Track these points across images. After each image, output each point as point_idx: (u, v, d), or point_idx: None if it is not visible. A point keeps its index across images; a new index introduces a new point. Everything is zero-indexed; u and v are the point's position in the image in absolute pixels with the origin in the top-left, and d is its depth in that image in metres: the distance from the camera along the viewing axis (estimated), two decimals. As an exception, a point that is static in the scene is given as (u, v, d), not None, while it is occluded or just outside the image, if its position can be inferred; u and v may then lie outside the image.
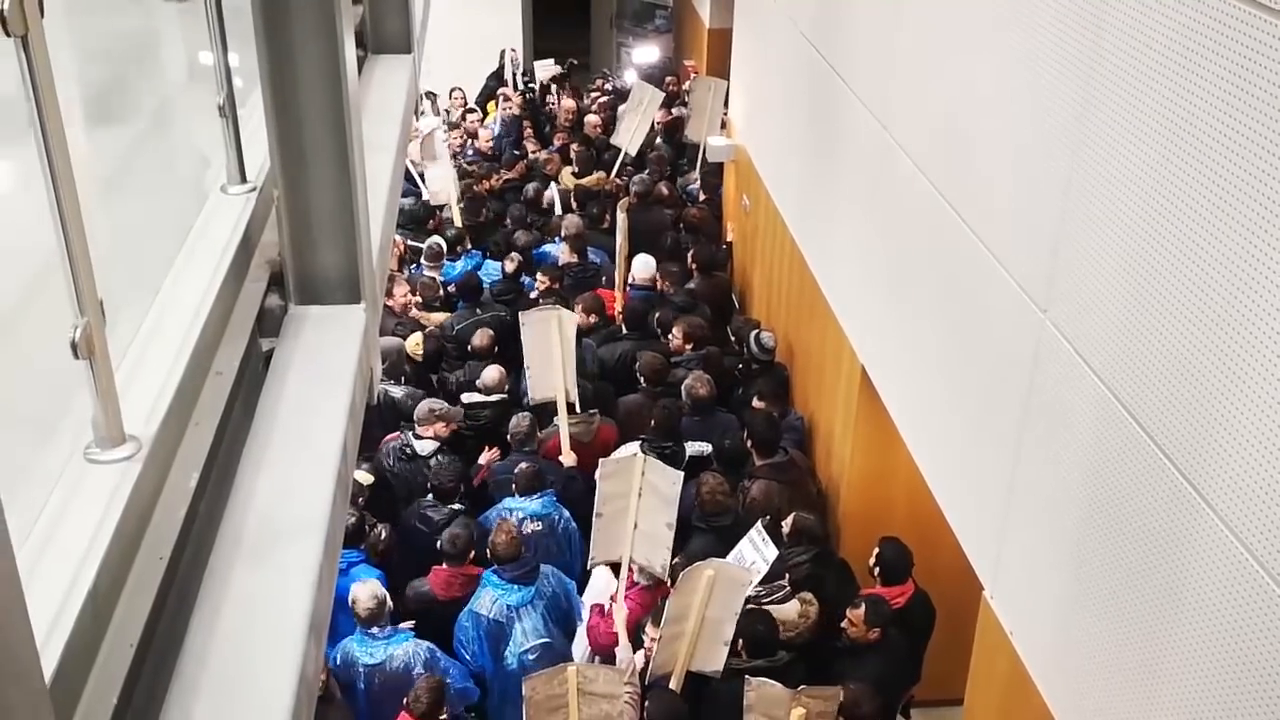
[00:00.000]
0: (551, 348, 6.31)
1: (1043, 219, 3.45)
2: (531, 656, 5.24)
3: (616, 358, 7.18)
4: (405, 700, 4.68)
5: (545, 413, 6.47)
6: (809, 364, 6.88)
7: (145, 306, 2.25)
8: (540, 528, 5.79)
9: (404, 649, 5.04)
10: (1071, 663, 3.30)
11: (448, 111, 11.78)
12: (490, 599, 5.27)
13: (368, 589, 5.02)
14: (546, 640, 5.31)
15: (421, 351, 7.15)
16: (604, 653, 5.29)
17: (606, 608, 5.28)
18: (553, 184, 9.93)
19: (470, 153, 10.93)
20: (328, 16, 2.40)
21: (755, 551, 5.30)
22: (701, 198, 9.74)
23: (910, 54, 4.88)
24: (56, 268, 1.58)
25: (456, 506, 5.87)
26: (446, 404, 6.38)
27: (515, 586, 5.28)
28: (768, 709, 4.43)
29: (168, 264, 2.41)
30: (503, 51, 12.80)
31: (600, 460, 5.58)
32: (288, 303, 2.69)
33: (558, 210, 9.56)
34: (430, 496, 5.94)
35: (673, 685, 4.78)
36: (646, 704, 4.63)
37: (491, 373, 6.75)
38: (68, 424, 1.80)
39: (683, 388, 6.52)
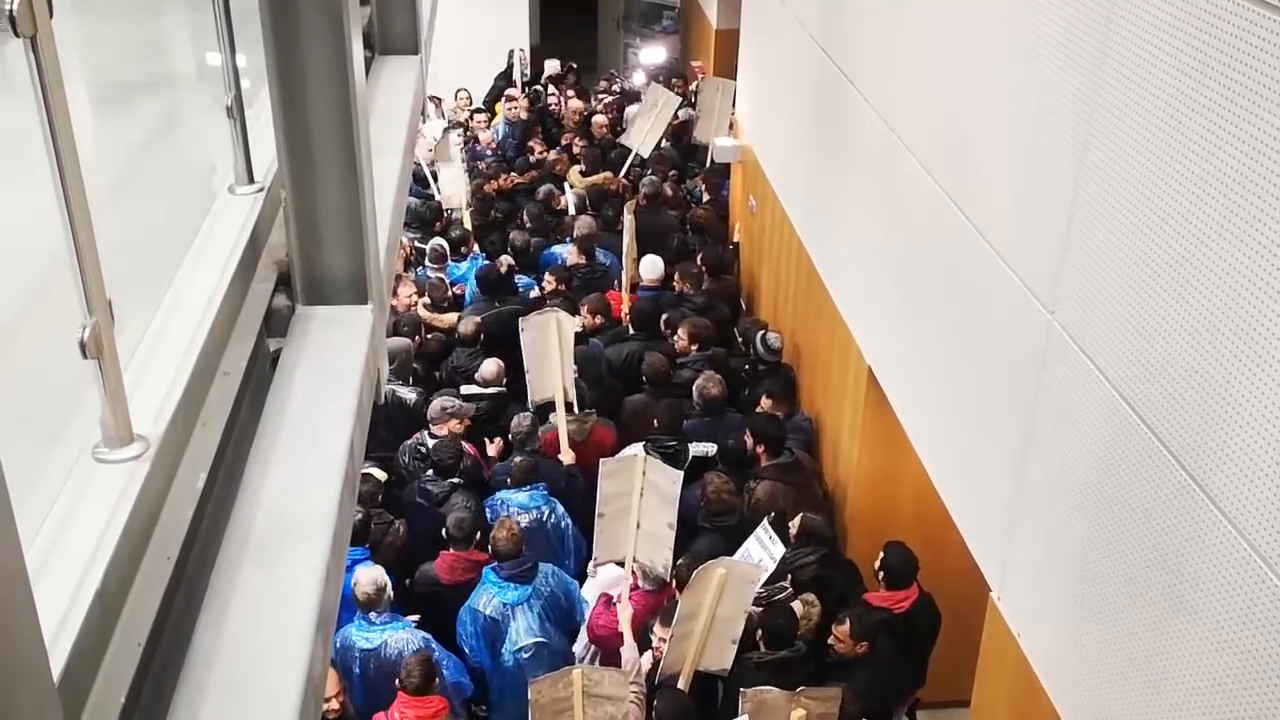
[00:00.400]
0: (550, 350, 6.37)
1: (1049, 219, 3.45)
2: (526, 655, 5.26)
3: (623, 358, 7.21)
4: (398, 679, 4.75)
5: (544, 412, 6.54)
6: (815, 364, 6.87)
7: (153, 306, 2.25)
8: (527, 521, 5.83)
9: (400, 636, 5.09)
10: (1078, 664, 3.29)
11: (454, 112, 11.79)
12: (487, 596, 5.31)
13: (369, 574, 5.11)
14: (541, 639, 5.32)
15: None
16: (603, 645, 5.29)
17: (614, 598, 5.28)
18: (568, 186, 9.96)
19: (489, 154, 10.96)
20: (335, 17, 2.41)
21: (762, 549, 5.30)
22: (705, 198, 9.74)
23: (916, 54, 4.87)
24: (65, 267, 1.58)
25: (456, 480, 5.99)
26: (458, 401, 6.46)
27: (512, 585, 5.31)
28: (768, 717, 4.42)
29: (176, 264, 2.42)
30: (511, 52, 12.81)
31: (601, 460, 5.60)
32: (295, 303, 2.70)
33: (571, 211, 9.58)
34: (430, 473, 6.08)
35: (681, 685, 4.78)
36: (655, 703, 4.63)
37: (490, 366, 6.86)
38: (76, 424, 1.81)
39: (694, 388, 6.54)
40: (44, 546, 1.60)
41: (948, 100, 4.41)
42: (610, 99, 12.03)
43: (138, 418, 1.82)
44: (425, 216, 9.25)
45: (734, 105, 9.50)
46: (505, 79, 12.62)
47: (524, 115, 11.24)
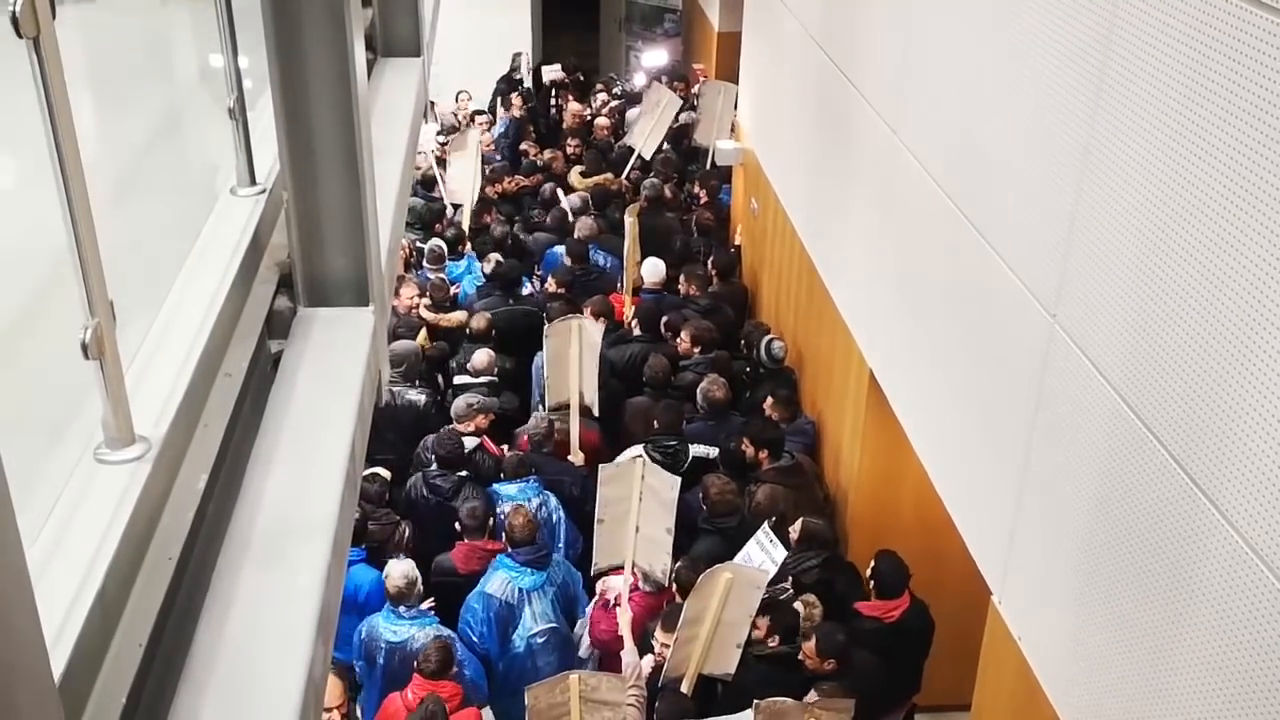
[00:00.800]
0: (570, 356, 6.40)
1: (1052, 222, 3.45)
2: (540, 640, 5.28)
3: (626, 359, 7.21)
4: (415, 663, 4.79)
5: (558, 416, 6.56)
6: (818, 368, 6.87)
7: (155, 308, 2.25)
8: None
9: (425, 633, 5.11)
10: (1080, 668, 3.29)
11: (455, 114, 11.79)
12: (502, 580, 5.30)
13: (400, 568, 5.16)
14: (554, 625, 5.34)
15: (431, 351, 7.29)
16: (603, 648, 5.29)
17: (613, 600, 5.28)
18: (568, 188, 9.97)
19: (496, 159, 10.99)
20: (338, 19, 2.41)
21: (763, 553, 5.30)
22: (702, 200, 9.73)
23: (919, 57, 4.87)
24: (67, 269, 1.58)
25: (464, 474, 6.01)
26: (481, 397, 6.50)
27: (529, 570, 5.32)
28: None
29: (177, 266, 2.42)
30: (515, 54, 12.81)
31: (600, 465, 5.63)
32: (297, 305, 2.70)
33: (571, 215, 9.59)
34: (435, 466, 6.08)
35: (684, 688, 4.78)
36: (656, 705, 4.62)
37: (481, 356, 6.90)
38: (77, 425, 1.81)
39: (699, 390, 6.55)
40: (45, 547, 1.60)
41: (950, 104, 4.41)
42: (614, 103, 12.03)
43: (139, 419, 1.82)
44: (426, 217, 9.26)
45: (736, 108, 9.50)
46: (508, 81, 12.63)
47: (518, 114, 11.29)
